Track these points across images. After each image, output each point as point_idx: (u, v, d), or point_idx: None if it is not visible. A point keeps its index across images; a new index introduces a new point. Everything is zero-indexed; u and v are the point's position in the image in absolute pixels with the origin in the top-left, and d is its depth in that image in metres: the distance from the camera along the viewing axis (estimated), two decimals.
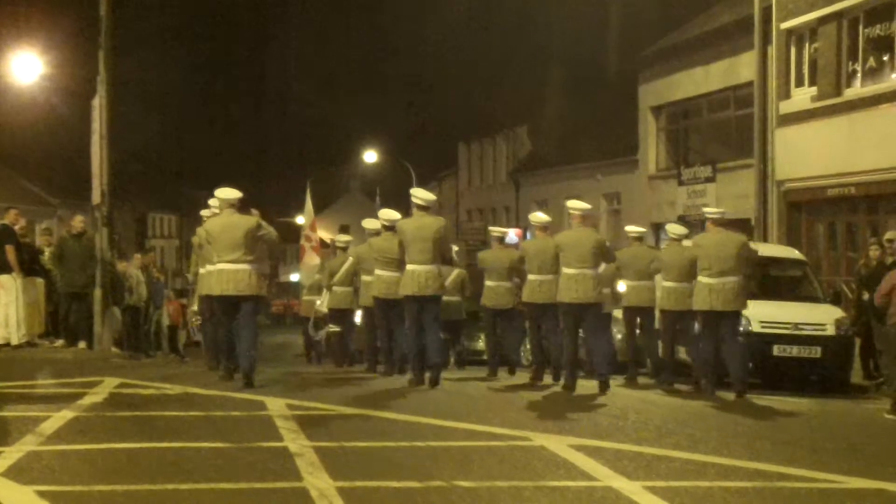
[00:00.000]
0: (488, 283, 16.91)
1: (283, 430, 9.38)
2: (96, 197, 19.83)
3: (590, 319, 14.50)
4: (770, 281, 18.96)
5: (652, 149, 35.32)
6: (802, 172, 26.41)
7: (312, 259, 23.79)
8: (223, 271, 13.44)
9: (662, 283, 16.17)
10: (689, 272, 15.30)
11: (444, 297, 16.76)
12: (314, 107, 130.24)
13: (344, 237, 19.69)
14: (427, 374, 13.99)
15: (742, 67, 29.23)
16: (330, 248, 21.16)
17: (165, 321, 26.03)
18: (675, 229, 16.83)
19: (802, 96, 26.59)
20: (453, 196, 57.11)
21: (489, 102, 51.71)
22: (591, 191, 39.65)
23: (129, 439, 8.83)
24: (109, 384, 12.81)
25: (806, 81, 26.70)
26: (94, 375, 13.73)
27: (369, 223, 17.06)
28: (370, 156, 64.22)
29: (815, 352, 17.17)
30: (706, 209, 15.85)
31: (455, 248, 19.53)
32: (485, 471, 7.92)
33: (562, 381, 14.71)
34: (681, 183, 32.16)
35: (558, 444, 9.08)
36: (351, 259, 17.94)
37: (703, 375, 14.77)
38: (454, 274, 18.84)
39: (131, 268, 23.00)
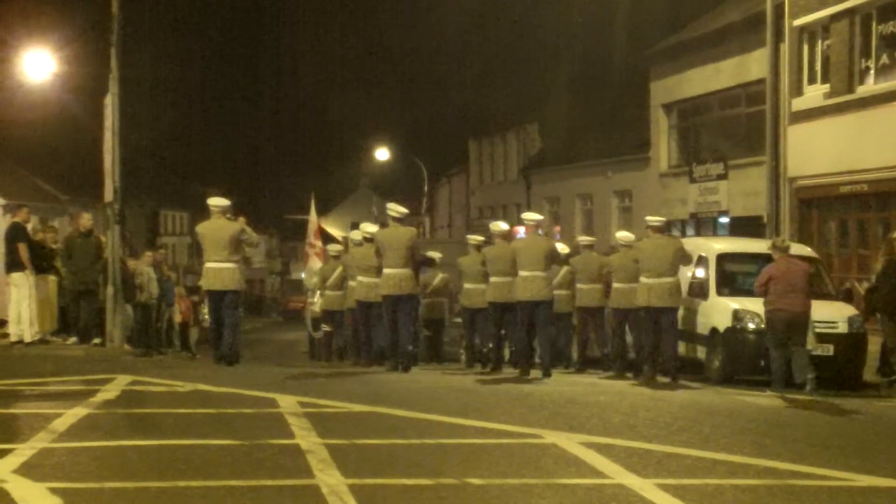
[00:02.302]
0: (467, 285, 18.44)
1: (295, 427, 9.40)
2: (108, 194, 19.86)
3: (541, 315, 16.70)
4: None
5: (663, 146, 35.27)
6: (814, 169, 26.36)
7: (315, 264, 25.64)
8: (210, 269, 16.12)
9: (613, 285, 18.36)
10: (635, 274, 17.26)
11: (430, 298, 21.27)
12: (325, 104, 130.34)
13: (336, 247, 21.90)
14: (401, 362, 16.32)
15: (753, 64, 29.17)
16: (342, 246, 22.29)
17: (177, 318, 26.05)
18: (624, 237, 18.87)
19: (815, 93, 26.53)
20: (464, 193, 57.07)
21: (500, 99, 51.66)
22: (602, 188, 39.61)
23: (141, 436, 8.85)
24: (121, 381, 12.85)
25: (818, 78, 26.62)
26: (107, 373, 13.78)
27: (354, 234, 19.27)
28: (382, 153, 64.29)
29: (828, 349, 17.13)
30: (648, 217, 17.93)
31: (437, 254, 22.16)
32: (496, 468, 7.92)
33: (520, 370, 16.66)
34: (692, 180, 32.11)
35: (569, 442, 9.08)
36: (340, 267, 20.35)
37: (645, 362, 17.09)
38: (438, 277, 21.75)
39: (142, 265, 23.03)
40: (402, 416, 10.38)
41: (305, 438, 8.81)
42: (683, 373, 17.35)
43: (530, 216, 17.55)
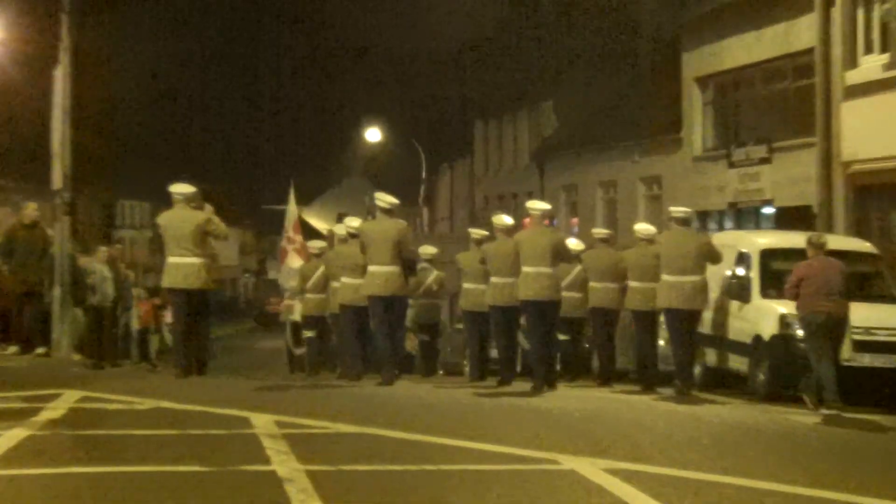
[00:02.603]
0: (466, 285, 18.68)
1: (271, 451, 9.34)
2: (57, 181, 19.80)
3: (546, 317, 16.74)
4: None
5: (697, 126, 35.18)
6: (872, 152, 26.23)
7: (294, 262, 25.49)
8: (173, 264, 16.10)
9: (629, 284, 18.53)
10: (655, 272, 17.44)
11: (424, 300, 21.53)
12: (310, 78, 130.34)
13: (318, 243, 21.93)
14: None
15: (801, 32, 29.05)
16: (327, 237, 22.62)
17: (135, 324, 26.01)
18: (643, 230, 19.03)
19: (872, 65, 26.41)
20: (468, 181, 57.04)
21: (509, 74, 51.60)
22: (628, 174, 39.54)
23: (93, 462, 8.77)
24: (69, 398, 12.76)
25: (876, 47, 26.50)
26: (52, 387, 13.64)
27: (338, 229, 19.54)
28: (373, 134, 64.25)
29: (892, 360, 17.03)
30: (671, 208, 18.00)
31: (432, 249, 22.38)
32: (505, 499, 7.86)
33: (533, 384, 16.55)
34: (731, 165, 32.02)
35: (591, 468, 9.02)
36: (323, 266, 20.24)
37: (677, 374, 17.07)
38: (433, 276, 21.79)
39: (96, 262, 22.94)
40: (396, 438, 10.33)
41: (284, 464, 8.75)
42: (720, 387, 17.31)
43: (536, 205, 17.53)
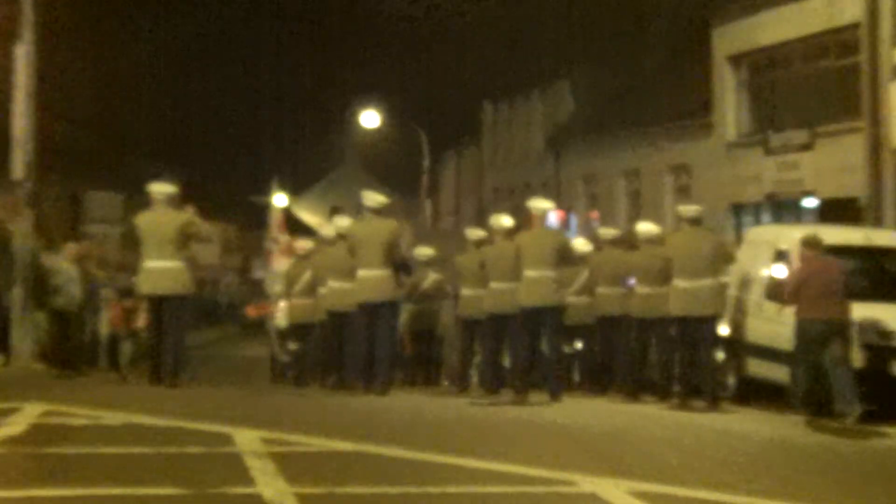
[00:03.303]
0: (464, 291, 19.32)
1: (256, 472, 9.33)
2: (18, 170, 19.79)
3: (548, 324, 17.31)
4: (885, 278, 18.78)
5: (731, 109, 35.17)
6: None
7: (280, 264, 26.15)
8: (151, 269, 16.63)
9: (635, 289, 19.06)
10: (662, 276, 17.91)
11: (420, 306, 21.96)
12: (300, 55, 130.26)
13: (306, 243, 22.31)
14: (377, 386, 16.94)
15: (846, 5, 29.06)
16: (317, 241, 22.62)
17: (104, 329, 25.97)
18: (646, 231, 19.45)
19: None
20: (475, 170, 57.07)
21: (522, 51, 51.62)
22: (653, 163, 39.52)
23: (57, 484, 8.75)
24: (31, 412, 12.72)
25: None
26: (12, 400, 13.62)
27: (326, 230, 20.24)
28: (370, 118, 64.18)
29: None
30: (681, 207, 18.51)
31: (428, 251, 22.72)
32: None
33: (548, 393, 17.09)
34: (768, 152, 32.02)
35: (613, 490, 9.02)
36: (310, 270, 20.59)
37: (704, 387, 17.22)
38: (430, 279, 22.10)
39: (61, 261, 22.92)
40: (396, 457, 10.31)
41: (270, 486, 8.75)
42: (756, 399, 17.31)
43: (538, 204, 17.99)
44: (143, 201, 17.10)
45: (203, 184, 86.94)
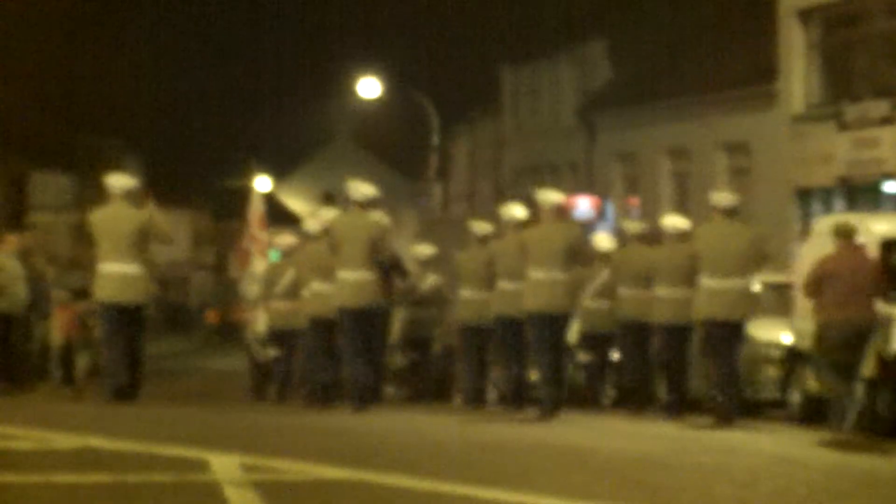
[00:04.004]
0: (464, 293, 20.07)
1: None
2: None
3: (554, 333, 18.05)
4: None
5: (798, 75, 35.14)
6: None
7: (260, 266, 26.53)
8: (108, 274, 17.45)
9: (657, 291, 19.41)
10: (690, 277, 18.43)
11: (414, 311, 22.80)
12: (285, 14, 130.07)
13: (286, 239, 23.02)
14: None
15: None
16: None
17: (55, 336, 26.06)
18: (674, 224, 19.94)
19: None
20: (493, 147, 56.98)
21: (548, 6, 51.61)
22: (704, 140, 39.50)
23: None
24: None
25: None
26: None
27: (309, 224, 20.87)
28: (369, 87, 64.16)
29: None
30: (715, 195, 18.77)
31: (429, 250, 23.62)
32: None
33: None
34: (842, 127, 32.01)
35: None
36: (291, 269, 21.39)
37: (724, 399, 17.70)
38: (428, 282, 22.86)
39: (2, 255, 23.03)
40: (399, 487, 10.34)
41: None
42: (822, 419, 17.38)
43: (548, 196, 18.54)
44: (98, 184, 17.32)
45: (169, 164, 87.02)
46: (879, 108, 31.25)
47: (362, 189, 18.27)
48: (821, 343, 16.97)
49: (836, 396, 16.96)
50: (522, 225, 18.97)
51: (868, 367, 16.73)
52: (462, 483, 10.54)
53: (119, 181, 17.62)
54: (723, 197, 18.51)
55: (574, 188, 45.77)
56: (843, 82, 33.93)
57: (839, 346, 16.53)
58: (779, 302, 21.02)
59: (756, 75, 36.81)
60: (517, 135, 53.97)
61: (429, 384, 23.80)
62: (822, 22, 34.75)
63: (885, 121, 30.98)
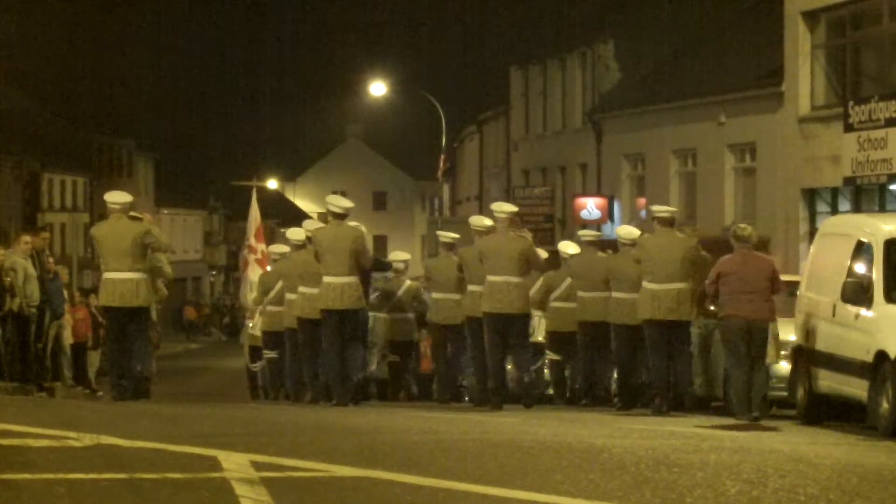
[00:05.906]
0: (435, 295, 22.24)
1: (247, 501, 9.37)
2: None
3: (512, 333, 19.91)
4: None
5: (805, 76, 35.12)
6: None
7: (257, 273, 27.87)
8: (109, 281, 18.96)
9: (612, 294, 21.23)
10: (639, 281, 20.18)
11: (394, 314, 24.13)
12: (297, 17, 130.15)
13: (280, 248, 24.70)
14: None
15: None
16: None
17: (68, 336, 26.06)
18: (627, 233, 21.76)
19: None
20: (501, 149, 57.02)
21: (557, 7, 51.59)
22: (712, 140, 39.53)
23: None
24: None
25: None
26: None
27: (294, 234, 22.44)
28: (378, 87, 64.27)
29: None
30: (655, 207, 21.27)
31: (405, 255, 25.19)
32: None
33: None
34: (849, 127, 31.96)
35: None
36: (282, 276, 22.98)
37: (659, 394, 20.02)
38: (405, 286, 24.41)
39: (15, 256, 23.00)
40: (411, 484, 10.32)
41: None
42: (832, 419, 17.32)
43: (502, 207, 20.54)
44: (111, 185, 17.59)
45: (181, 165, 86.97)
46: (886, 109, 31.17)
47: (341, 202, 20.31)
48: (722, 338, 18.90)
49: (736, 383, 18.37)
50: (488, 232, 20.57)
51: (770, 356, 18.39)
52: (475, 482, 10.52)
53: (117, 198, 19.16)
54: (663, 210, 20.74)
55: (582, 189, 45.82)
56: (849, 83, 33.88)
57: (737, 340, 18.24)
58: (786, 302, 20.91)
59: (763, 77, 36.81)
60: (526, 136, 54.04)
61: (409, 385, 25.49)
62: (828, 23, 34.74)
63: (891, 121, 30.91)
